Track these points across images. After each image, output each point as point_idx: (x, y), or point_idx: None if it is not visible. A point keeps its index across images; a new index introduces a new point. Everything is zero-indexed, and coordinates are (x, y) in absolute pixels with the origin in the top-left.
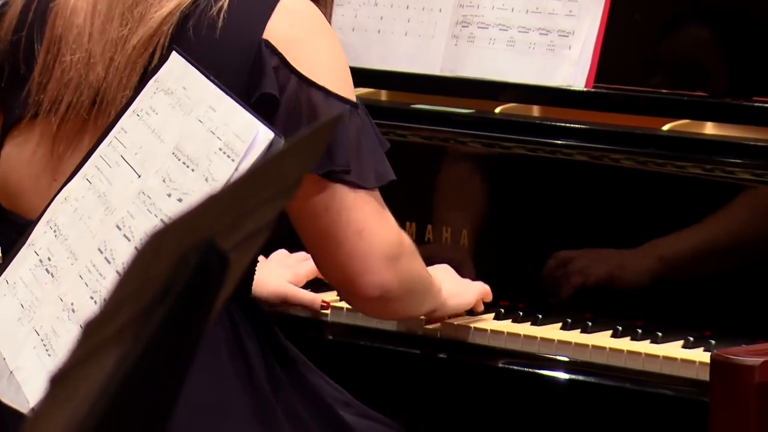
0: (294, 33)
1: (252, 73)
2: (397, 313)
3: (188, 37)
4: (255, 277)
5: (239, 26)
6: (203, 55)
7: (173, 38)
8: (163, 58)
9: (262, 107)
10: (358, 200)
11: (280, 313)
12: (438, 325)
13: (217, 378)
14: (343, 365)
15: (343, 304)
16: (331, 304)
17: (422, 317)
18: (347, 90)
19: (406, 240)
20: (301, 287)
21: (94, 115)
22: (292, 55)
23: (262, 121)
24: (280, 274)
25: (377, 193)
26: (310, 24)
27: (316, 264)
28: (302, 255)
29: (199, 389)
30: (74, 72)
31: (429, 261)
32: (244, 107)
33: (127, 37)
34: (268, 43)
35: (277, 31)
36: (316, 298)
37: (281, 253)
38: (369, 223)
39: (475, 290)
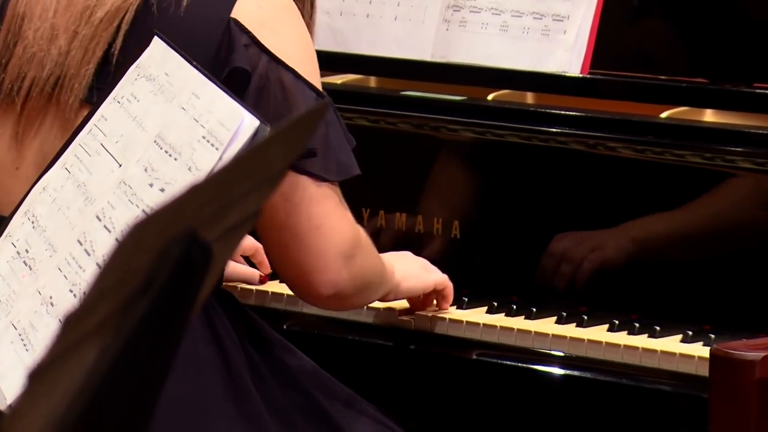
0: (263, 15)
1: (220, 50)
2: (348, 307)
3: (152, 12)
4: None
5: (205, 4)
6: (166, 32)
7: (137, 14)
8: (127, 34)
9: (232, 83)
10: (321, 194)
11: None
12: (429, 318)
13: (192, 370)
14: (325, 360)
15: None
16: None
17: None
18: (315, 79)
19: (363, 236)
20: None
21: (58, 91)
22: (262, 35)
23: (247, 109)
24: None
25: (338, 188)
26: (280, 7)
27: (268, 256)
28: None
29: (174, 383)
30: (36, 47)
31: (419, 254)
32: (228, 94)
33: (94, 9)
34: (236, 22)
35: (246, 11)
36: (254, 272)
37: None
38: (329, 219)
39: (435, 276)
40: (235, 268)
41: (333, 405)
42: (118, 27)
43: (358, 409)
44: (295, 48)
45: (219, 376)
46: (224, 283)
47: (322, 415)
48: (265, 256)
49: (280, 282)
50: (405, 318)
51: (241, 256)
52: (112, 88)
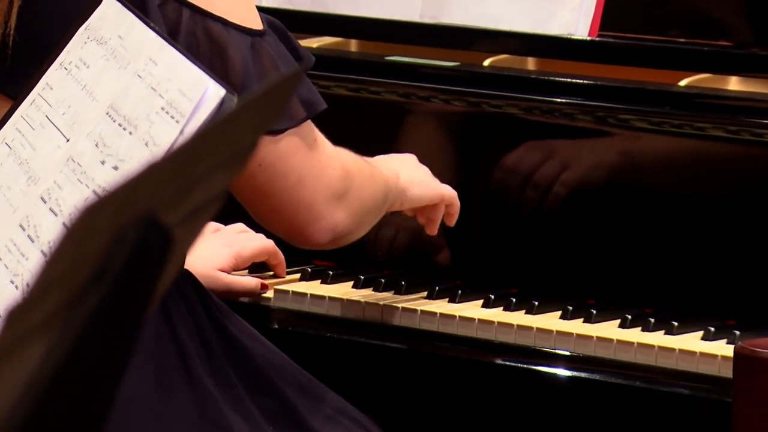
0: None
1: None
2: (354, 240)
3: None
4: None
5: None
6: (65, 3)
7: None
8: (23, 10)
9: None
10: (291, 145)
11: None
12: (417, 314)
13: (149, 369)
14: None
15: (289, 287)
16: (275, 287)
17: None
18: (250, 16)
19: (351, 164)
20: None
21: None
22: None
23: (212, 76)
24: (215, 257)
25: (309, 126)
26: None
27: (257, 220)
28: (238, 228)
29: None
30: None
31: (408, 240)
32: (191, 60)
33: None
34: None
35: None
36: (255, 282)
37: (210, 227)
38: (307, 167)
39: (443, 186)
40: (233, 282)
41: (307, 405)
42: (10, 3)
43: (338, 410)
44: None
45: (178, 377)
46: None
47: (293, 419)
48: (280, 257)
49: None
50: (387, 313)
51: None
52: (13, 74)
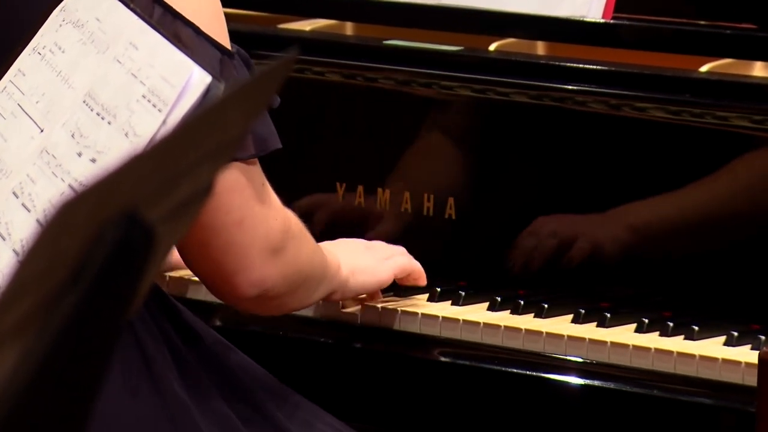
0: None
1: None
2: (281, 309)
3: None
4: None
5: None
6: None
7: None
8: None
9: None
10: (240, 180)
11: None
12: (418, 318)
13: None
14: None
15: None
16: None
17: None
18: (221, 35)
19: (294, 224)
20: None
21: None
22: None
23: (196, 62)
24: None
25: (258, 167)
26: None
27: (180, 254)
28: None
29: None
30: None
31: (408, 237)
32: (174, 44)
33: None
34: None
35: None
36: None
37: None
38: (251, 209)
39: (390, 264)
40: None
41: (283, 411)
42: None
43: (314, 415)
44: (193, 1)
45: (144, 383)
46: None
47: (270, 425)
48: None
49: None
50: (386, 315)
51: None
52: None
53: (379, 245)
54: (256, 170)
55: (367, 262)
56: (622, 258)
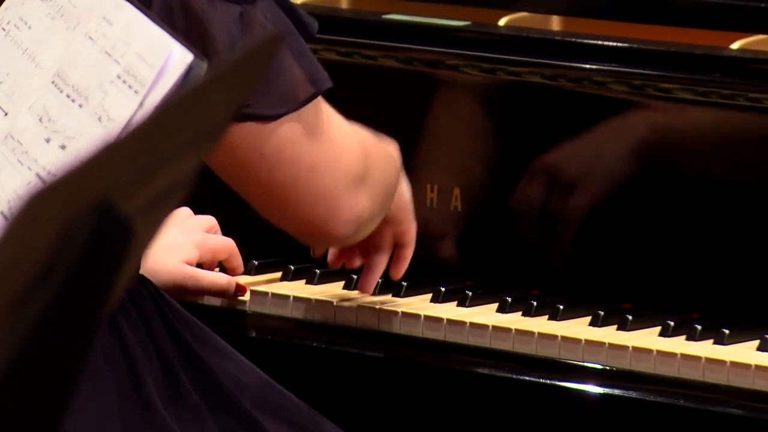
0: None
1: None
2: (375, 226)
3: None
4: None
5: None
6: None
7: None
8: None
9: None
10: (298, 128)
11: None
12: (420, 321)
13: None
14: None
15: (268, 288)
16: (251, 288)
17: None
18: None
19: (368, 143)
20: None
21: None
22: None
23: (177, 38)
24: (179, 247)
25: (319, 103)
26: None
27: (268, 218)
28: (207, 221)
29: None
30: None
31: None
32: (152, 19)
33: None
34: None
35: None
36: (230, 281)
37: (181, 215)
38: (321, 152)
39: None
40: (202, 276)
41: (275, 425)
42: None
43: (317, 425)
44: None
45: (131, 403)
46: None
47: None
48: (240, 260)
49: None
50: (387, 320)
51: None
52: None
53: None
54: (315, 110)
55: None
56: (646, 255)
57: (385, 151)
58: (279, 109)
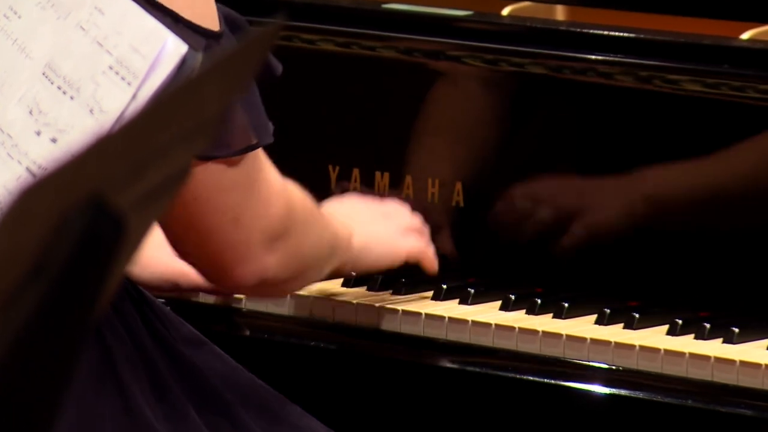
0: None
1: None
2: (286, 293)
3: None
4: None
5: None
6: None
7: None
8: None
9: None
10: (233, 177)
11: (169, 298)
12: (421, 318)
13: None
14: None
15: None
16: None
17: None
18: (207, 13)
19: (297, 205)
20: None
21: None
22: None
23: (171, 29)
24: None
25: (257, 156)
26: None
27: (177, 252)
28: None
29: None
30: None
31: None
32: (146, 9)
33: None
34: None
35: None
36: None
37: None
38: (247, 205)
39: (407, 244)
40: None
41: (264, 425)
42: None
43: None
44: None
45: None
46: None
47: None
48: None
49: None
50: (387, 319)
51: None
52: None
53: (395, 211)
54: (250, 161)
55: (382, 235)
56: (652, 250)
57: (320, 224)
58: (213, 151)
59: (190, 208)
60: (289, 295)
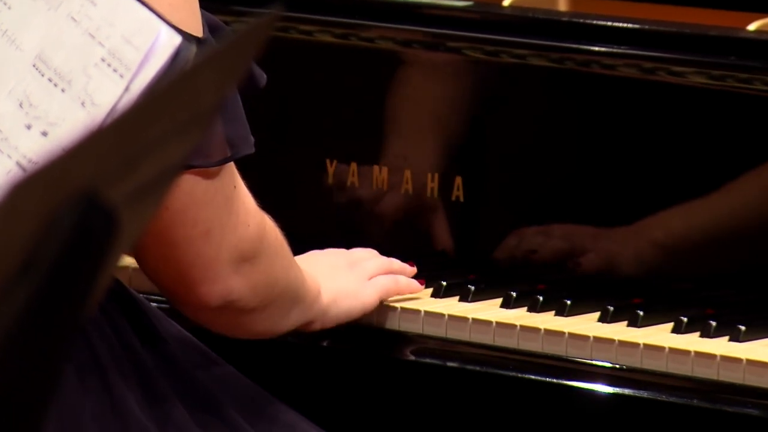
0: None
1: None
2: (249, 328)
3: None
4: None
5: None
6: None
7: None
8: None
9: None
10: (208, 191)
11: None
12: (420, 316)
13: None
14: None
15: None
16: None
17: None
18: (190, 18)
19: (269, 231)
20: None
21: None
22: None
23: (164, 20)
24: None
25: (228, 169)
26: None
27: (141, 265)
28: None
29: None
30: None
31: (409, 222)
32: (138, 0)
33: None
34: None
35: None
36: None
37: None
38: (220, 220)
39: (376, 287)
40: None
41: (255, 423)
42: None
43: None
44: None
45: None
46: None
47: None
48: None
49: None
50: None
51: None
52: None
53: (360, 257)
54: (226, 174)
55: (350, 285)
56: (658, 244)
57: (289, 261)
58: (191, 160)
59: (162, 218)
60: None
